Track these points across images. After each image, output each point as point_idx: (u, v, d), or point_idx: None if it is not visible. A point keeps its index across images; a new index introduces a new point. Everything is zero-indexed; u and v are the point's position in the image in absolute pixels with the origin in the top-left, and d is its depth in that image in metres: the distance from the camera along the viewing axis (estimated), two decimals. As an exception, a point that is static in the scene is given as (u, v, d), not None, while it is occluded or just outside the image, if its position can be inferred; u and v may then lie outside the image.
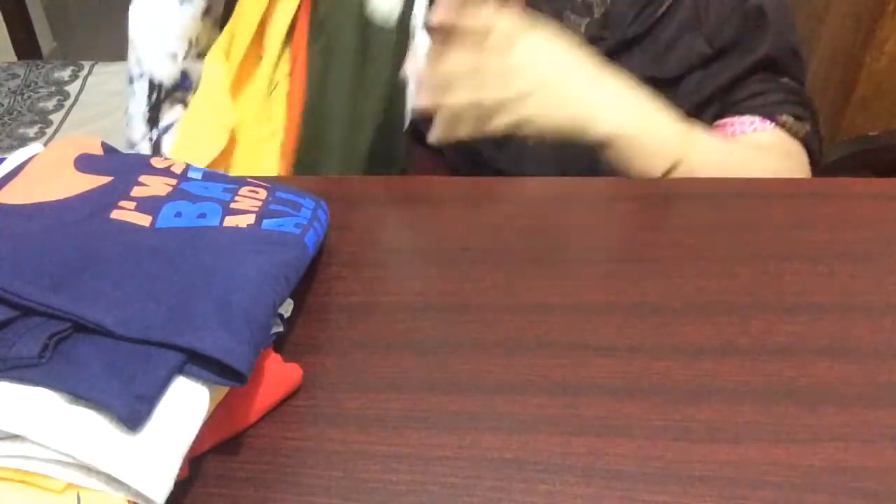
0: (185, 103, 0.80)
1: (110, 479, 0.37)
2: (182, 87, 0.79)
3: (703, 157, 0.67)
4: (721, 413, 0.45)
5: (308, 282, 0.54)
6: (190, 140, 0.77)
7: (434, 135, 0.64)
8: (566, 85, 0.64)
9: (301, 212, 0.54)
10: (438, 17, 0.61)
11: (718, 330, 0.50)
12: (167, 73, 0.77)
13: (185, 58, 0.77)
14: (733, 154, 0.72)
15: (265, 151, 0.78)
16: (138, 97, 0.80)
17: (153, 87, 0.78)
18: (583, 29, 0.77)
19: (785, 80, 0.79)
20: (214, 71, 0.76)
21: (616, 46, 0.77)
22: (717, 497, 0.41)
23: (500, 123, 0.62)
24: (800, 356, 0.48)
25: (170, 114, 0.80)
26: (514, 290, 0.54)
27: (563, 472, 0.42)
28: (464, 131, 0.63)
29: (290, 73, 0.78)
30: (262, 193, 0.55)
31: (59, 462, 0.37)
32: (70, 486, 0.37)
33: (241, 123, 0.77)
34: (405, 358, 0.50)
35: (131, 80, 0.81)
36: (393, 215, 0.64)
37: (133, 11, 0.77)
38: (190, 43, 0.76)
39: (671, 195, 0.62)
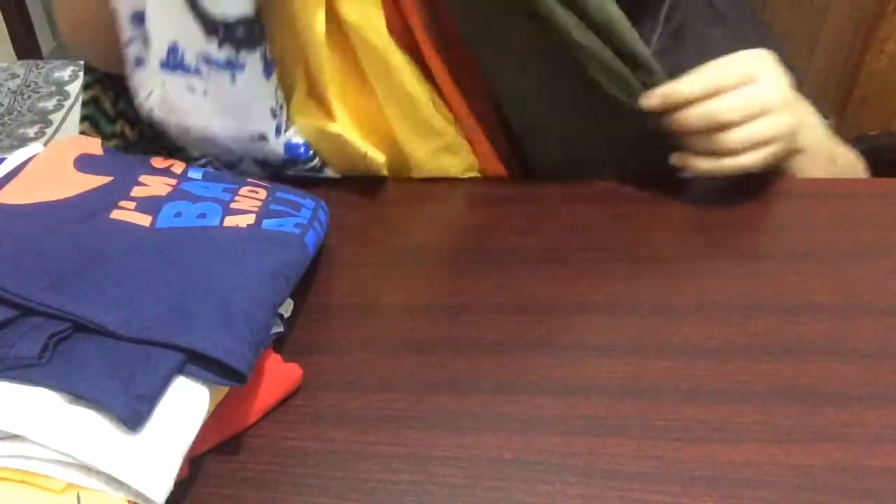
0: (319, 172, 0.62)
1: (110, 479, 0.37)
2: (301, 162, 0.60)
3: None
4: (721, 413, 0.45)
5: (308, 282, 0.54)
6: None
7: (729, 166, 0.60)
8: (800, 108, 0.64)
9: (301, 212, 0.54)
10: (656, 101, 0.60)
11: (718, 330, 0.50)
12: (268, 152, 0.59)
13: (279, 134, 0.58)
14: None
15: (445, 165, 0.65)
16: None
17: (262, 164, 0.61)
18: None
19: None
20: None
21: None
22: (717, 497, 0.41)
23: (775, 152, 0.60)
24: (800, 356, 0.48)
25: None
26: (514, 290, 0.54)
27: (563, 472, 0.42)
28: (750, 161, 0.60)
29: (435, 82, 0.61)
30: (263, 193, 0.55)
31: (59, 462, 0.37)
32: (70, 486, 0.37)
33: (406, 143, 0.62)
34: (405, 358, 0.50)
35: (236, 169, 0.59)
36: (393, 216, 0.64)
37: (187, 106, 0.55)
38: (274, 114, 0.56)
39: (671, 196, 0.62)
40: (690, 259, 0.56)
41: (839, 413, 0.45)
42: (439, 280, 0.56)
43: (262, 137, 0.57)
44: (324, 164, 0.63)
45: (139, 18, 0.54)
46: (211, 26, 0.48)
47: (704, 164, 0.59)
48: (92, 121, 0.72)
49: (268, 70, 0.52)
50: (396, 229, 0.62)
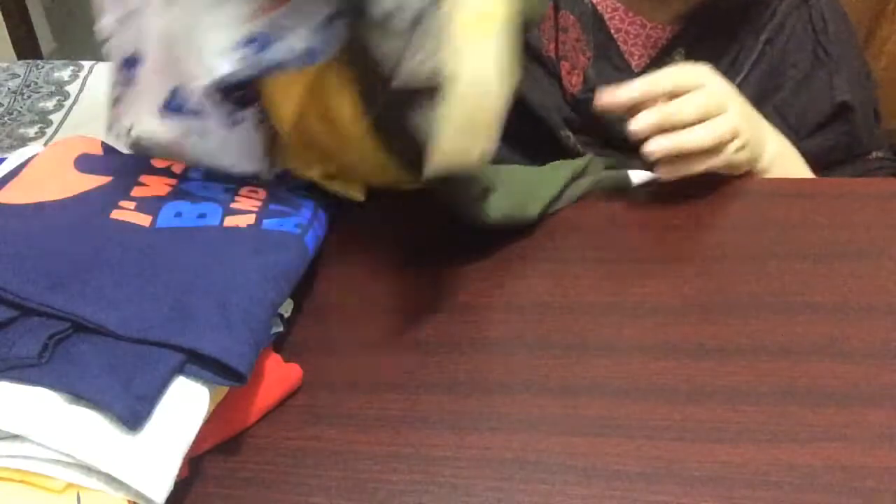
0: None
1: (110, 479, 0.37)
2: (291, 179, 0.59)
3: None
4: (721, 413, 0.45)
5: (308, 282, 0.54)
6: None
7: (667, 172, 0.61)
8: (758, 119, 0.66)
9: (301, 212, 0.54)
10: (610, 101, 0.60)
11: (718, 330, 0.50)
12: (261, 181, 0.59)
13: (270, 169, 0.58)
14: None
15: None
16: None
17: None
18: None
19: (876, 154, 0.77)
20: None
21: None
22: (717, 497, 0.41)
23: (730, 161, 0.61)
24: (800, 356, 0.48)
25: None
26: (514, 290, 0.54)
27: (563, 472, 0.42)
28: (696, 168, 0.61)
29: None
30: (263, 193, 0.55)
31: (59, 462, 0.37)
32: (70, 486, 0.37)
33: None
34: (405, 358, 0.50)
35: None
36: (393, 215, 0.64)
37: None
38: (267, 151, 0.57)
39: (670, 195, 0.62)
40: (690, 259, 0.56)
41: (839, 413, 0.45)
42: (440, 280, 0.56)
43: (254, 175, 0.57)
44: None
45: (130, 63, 0.55)
46: (209, 87, 0.50)
47: (672, 169, 0.60)
48: None
49: (263, 120, 0.54)
50: (397, 229, 0.62)
